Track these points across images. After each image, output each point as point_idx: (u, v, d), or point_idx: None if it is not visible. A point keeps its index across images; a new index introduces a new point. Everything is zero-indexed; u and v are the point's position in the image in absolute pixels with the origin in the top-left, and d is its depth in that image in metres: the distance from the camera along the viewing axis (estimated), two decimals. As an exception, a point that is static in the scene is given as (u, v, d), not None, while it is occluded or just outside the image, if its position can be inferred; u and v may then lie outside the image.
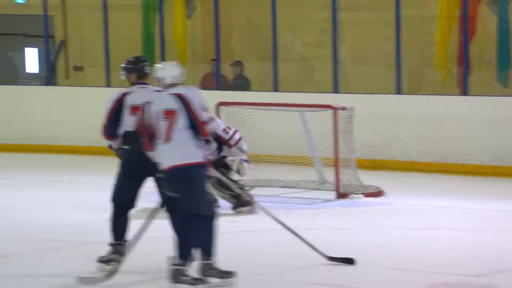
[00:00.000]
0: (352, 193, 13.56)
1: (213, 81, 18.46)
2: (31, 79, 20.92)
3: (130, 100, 9.67)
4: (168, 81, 9.00)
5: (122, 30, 18.96)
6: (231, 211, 12.79)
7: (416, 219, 12.47)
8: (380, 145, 16.23)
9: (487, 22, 17.28)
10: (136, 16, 19.17)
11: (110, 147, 9.95)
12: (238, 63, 18.72)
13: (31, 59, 21.46)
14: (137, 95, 9.65)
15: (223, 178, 12.02)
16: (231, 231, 11.09)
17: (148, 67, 9.88)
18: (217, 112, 14.10)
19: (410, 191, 14.20)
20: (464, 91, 16.84)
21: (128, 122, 9.66)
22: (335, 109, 13.73)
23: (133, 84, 9.86)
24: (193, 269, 8.95)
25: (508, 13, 16.91)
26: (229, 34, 19.35)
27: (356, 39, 18.56)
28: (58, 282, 9.56)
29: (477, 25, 17.21)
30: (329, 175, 13.81)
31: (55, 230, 11.90)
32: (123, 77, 9.93)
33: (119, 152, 9.96)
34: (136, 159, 9.64)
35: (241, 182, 12.79)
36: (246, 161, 12.99)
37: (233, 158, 13.05)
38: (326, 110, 13.86)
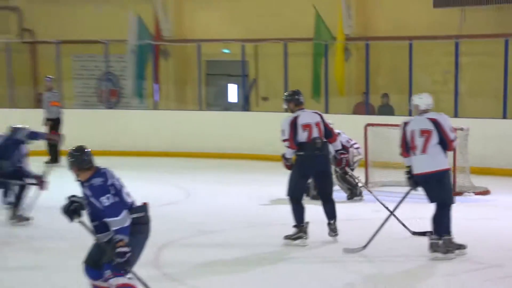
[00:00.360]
0: (465, 192, 13.50)
1: (363, 109, 18.52)
2: (232, 106, 21.35)
3: (300, 120, 10.02)
4: (422, 108, 9.43)
5: (297, 70, 19.03)
6: (346, 200, 13.04)
7: None
8: (488, 156, 15.99)
9: None
10: (308, 60, 19.20)
11: (284, 156, 10.16)
12: (385, 95, 18.79)
13: (232, 92, 21.83)
14: (303, 116, 10.03)
15: (349, 173, 12.42)
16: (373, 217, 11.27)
17: (302, 97, 10.33)
18: (365, 131, 14.34)
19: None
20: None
21: (301, 136, 9.99)
22: (454, 129, 13.69)
23: (292, 110, 10.18)
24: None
25: None
26: (376, 74, 19.12)
27: (472, 77, 18.29)
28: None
29: None
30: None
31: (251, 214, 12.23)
32: (284, 106, 10.28)
33: (289, 161, 10.15)
34: (307, 163, 9.99)
35: (357, 179, 12.75)
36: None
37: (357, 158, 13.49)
38: (448, 130, 13.82)
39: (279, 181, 11.62)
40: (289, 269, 9.01)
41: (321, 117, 10.25)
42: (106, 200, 6.52)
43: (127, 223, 6.55)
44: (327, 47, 18.97)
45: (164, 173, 16.42)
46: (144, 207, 6.81)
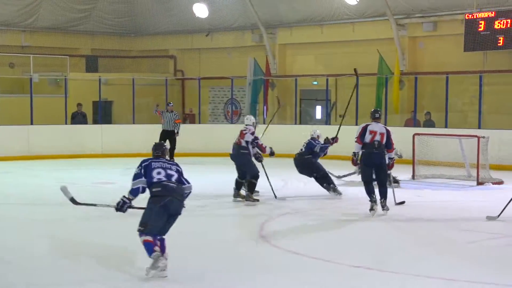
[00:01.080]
0: (486, 182, 13.25)
1: (412, 123, 18.22)
2: (318, 123, 21.27)
3: (369, 128, 10.17)
4: None
5: (365, 96, 18.78)
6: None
7: None
8: (503, 157, 15.68)
9: None
10: (373, 89, 18.95)
11: (354, 153, 10.29)
12: (428, 113, 18.39)
13: (318, 112, 21.68)
14: (373, 125, 10.20)
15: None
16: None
17: (378, 114, 10.46)
18: (413, 139, 14.15)
19: None
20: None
21: (366, 139, 10.08)
22: (478, 137, 13.45)
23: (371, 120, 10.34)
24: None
25: None
26: (422, 98, 18.79)
27: (492, 101, 17.65)
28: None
29: None
30: (473, 172, 13.45)
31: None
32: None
33: (356, 155, 10.23)
34: (368, 157, 10.08)
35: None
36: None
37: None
38: (474, 138, 13.58)
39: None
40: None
41: (387, 131, 10.25)
42: (135, 170, 6.72)
43: (135, 186, 6.61)
44: (387, 79, 18.83)
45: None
46: (162, 184, 6.51)
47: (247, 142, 11.26)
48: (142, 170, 6.66)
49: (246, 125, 11.55)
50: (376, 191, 10.07)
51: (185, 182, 6.75)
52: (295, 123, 20.13)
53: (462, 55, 17.98)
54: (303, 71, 21.30)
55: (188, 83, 23.62)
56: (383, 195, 10.09)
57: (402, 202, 10.80)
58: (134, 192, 6.64)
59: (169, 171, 6.69)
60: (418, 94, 18.38)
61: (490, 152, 13.91)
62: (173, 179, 6.66)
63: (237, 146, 11.38)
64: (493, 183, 13.24)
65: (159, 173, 6.65)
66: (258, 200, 11.11)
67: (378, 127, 10.26)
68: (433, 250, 7.79)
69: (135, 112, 19.81)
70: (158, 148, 6.93)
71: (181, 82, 23.95)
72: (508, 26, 16.92)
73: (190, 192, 6.79)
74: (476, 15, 17.45)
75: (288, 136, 18.76)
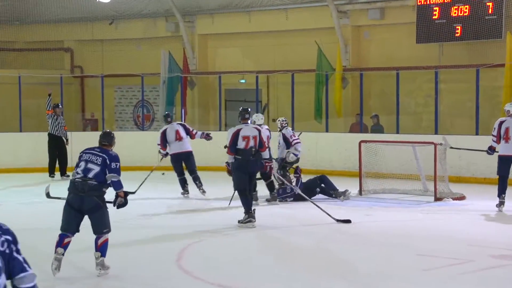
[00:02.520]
0: (445, 197, 13.31)
1: (358, 128, 18.44)
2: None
3: (241, 133, 10.88)
4: None
5: (302, 96, 19.02)
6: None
7: (485, 214, 12.06)
8: (464, 167, 15.92)
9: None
10: (311, 88, 18.98)
11: (227, 163, 11.33)
12: (376, 116, 18.67)
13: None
14: (244, 130, 10.93)
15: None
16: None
17: (248, 114, 11.20)
18: (359, 147, 14.23)
19: (482, 197, 13.60)
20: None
21: (240, 145, 10.81)
22: (435, 144, 13.56)
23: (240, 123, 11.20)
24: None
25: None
26: (368, 98, 19.11)
27: (450, 101, 18.19)
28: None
29: None
30: (430, 185, 13.50)
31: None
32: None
33: (230, 165, 11.21)
34: (245, 165, 10.82)
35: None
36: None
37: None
38: (429, 145, 13.65)
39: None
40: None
41: (259, 132, 11.04)
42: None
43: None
44: (328, 76, 18.94)
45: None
46: (71, 181, 7.87)
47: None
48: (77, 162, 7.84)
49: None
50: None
51: (107, 174, 7.69)
52: (219, 129, 19.98)
53: (414, 48, 18.31)
54: (228, 67, 21.32)
55: (89, 82, 23.30)
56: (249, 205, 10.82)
57: (347, 221, 10.85)
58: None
59: (90, 165, 7.69)
60: (364, 93, 18.58)
61: (449, 161, 14.07)
62: (91, 174, 7.64)
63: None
64: (454, 199, 13.37)
65: (79, 166, 7.73)
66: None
67: (250, 130, 10.96)
68: (388, 279, 7.81)
69: (22, 117, 19.34)
70: (103, 137, 8.07)
71: (80, 80, 23.60)
72: (467, 13, 17.28)
73: (116, 182, 7.70)
74: (429, 1, 17.76)
75: (211, 144, 18.65)
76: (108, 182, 7.67)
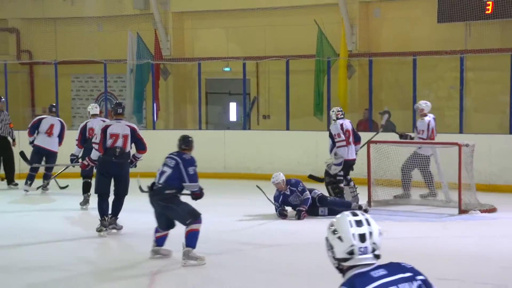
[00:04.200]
0: (471, 209, 13.31)
1: (366, 125, 18.56)
2: (232, 125, 21.33)
3: (109, 130, 11.46)
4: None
5: (299, 88, 19.08)
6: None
7: None
8: (495, 173, 15.97)
9: None
10: (310, 77, 19.14)
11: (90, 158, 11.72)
12: (387, 112, 18.59)
13: (233, 111, 21.86)
14: (114, 126, 11.55)
15: None
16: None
17: (121, 109, 11.85)
18: (368, 149, 14.24)
19: None
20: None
21: (108, 142, 11.45)
22: (460, 145, 13.51)
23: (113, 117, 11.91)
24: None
25: None
26: (379, 90, 19.23)
27: (478, 93, 18.35)
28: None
29: None
30: (454, 195, 13.54)
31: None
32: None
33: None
34: (105, 166, 11.53)
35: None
36: None
37: None
38: (453, 146, 13.62)
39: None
40: None
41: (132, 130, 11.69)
42: None
43: None
44: (330, 63, 18.95)
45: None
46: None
47: None
48: None
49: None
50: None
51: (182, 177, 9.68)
52: (199, 128, 19.97)
53: (435, 28, 18.42)
54: (210, 52, 21.36)
55: (40, 70, 23.33)
56: (116, 211, 11.60)
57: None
58: None
59: (164, 168, 9.77)
60: (374, 84, 18.61)
61: (477, 166, 14.11)
62: (163, 178, 9.74)
63: None
64: (482, 211, 13.37)
65: (159, 170, 9.96)
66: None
67: (121, 127, 11.51)
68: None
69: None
70: (182, 142, 9.97)
71: (29, 67, 23.61)
72: (500, -14, 17.37)
73: (196, 191, 9.77)
74: (454, -29, 17.84)
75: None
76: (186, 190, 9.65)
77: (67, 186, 16.10)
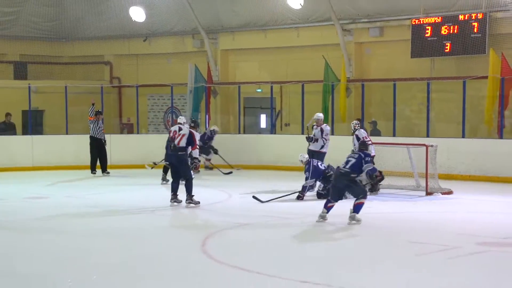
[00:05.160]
0: (435, 192, 13.39)
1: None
2: (263, 131, 21.30)
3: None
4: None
5: (311, 104, 18.81)
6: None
7: (471, 206, 12.25)
8: (452, 166, 15.93)
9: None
10: (319, 97, 18.92)
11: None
12: (374, 121, 18.60)
13: (263, 120, 21.72)
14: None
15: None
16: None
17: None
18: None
19: (467, 191, 13.79)
20: (501, 136, 16.51)
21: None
22: (427, 146, 13.58)
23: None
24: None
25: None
26: (369, 106, 19.08)
27: (440, 108, 18.15)
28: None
29: (509, 100, 16.52)
30: (422, 182, 13.55)
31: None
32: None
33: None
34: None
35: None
36: None
37: None
38: (422, 147, 13.72)
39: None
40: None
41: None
42: None
43: None
44: (333, 86, 18.89)
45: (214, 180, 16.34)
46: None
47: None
48: None
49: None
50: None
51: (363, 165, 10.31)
52: (239, 132, 20.12)
53: (409, 62, 18.31)
54: (247, 78, 21.33)
55: (126, 91, 23.40)
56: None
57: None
58: None
59: (349, 158, 10.40)
60: (366, 101, 18.61)
61: (439, 161, 14.13)
62: (348, 165, 10.26)
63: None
64: (443, 193, 13.40)
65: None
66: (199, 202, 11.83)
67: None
68: (383, 263, 7.88)
69: (68, 121, 19.46)
70: (361, 145, 10.78)
71: (118, 89, 23.72)
72: (455, 31, 17.32)
73: (371, 169, 10.38)
74: (422, 21, 17.80)
75: (232, 146, 18.79)
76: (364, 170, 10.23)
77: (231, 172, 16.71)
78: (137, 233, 9.64)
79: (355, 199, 10.21)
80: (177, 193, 11.86)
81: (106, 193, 13.86)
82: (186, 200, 11.68)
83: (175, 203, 11.80)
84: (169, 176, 13.61)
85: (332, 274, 7.37)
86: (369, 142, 13.03)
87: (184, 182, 11.77)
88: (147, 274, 7.26)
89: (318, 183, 12.97)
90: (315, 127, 14.13)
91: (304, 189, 12.74)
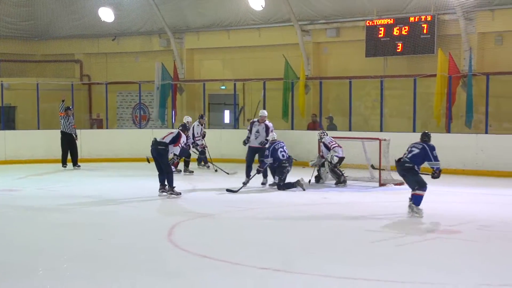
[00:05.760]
0: (388, 183, 13.52)
1: (313, 126, 18.51)
2: (226, 127, 21.26)
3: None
4: None
5: (272, 100, 18.90)
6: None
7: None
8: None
9: (461, 95, 17.11)
10: (279, 93, 18.99)
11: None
12: (330, 117, 18.77)
13: (227, 116, 21.61)
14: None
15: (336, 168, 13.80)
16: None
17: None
18: (319, 143, 14.13)
19: None
20: (448, 130, 16.76)
21: None
22: (380, 140, 13.71)
23: None
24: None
25: (472, 91, 16.67)
26: (326, 102, 19.15)
27: (393, 104, 18.31)
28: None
29: (456, 97, 16.91)
30: (376, 173, 13.69)
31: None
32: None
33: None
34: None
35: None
36: None
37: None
38: (376, 140, 13.85)
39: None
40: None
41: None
42: None
43: None
44: (293, 84, 19.00)
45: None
46: None
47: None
48: None
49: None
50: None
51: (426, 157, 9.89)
52: (205, 128, 19.99)
53: (364, 61, 18.45)
54: (211, 75, 21.30)
55: (95, 88, 23.15)
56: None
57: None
58: None
59: (412, 149, 10.12)
60: (323, 98, 18.67)
61: (392, 154, 14.17)
62: (410, 155, 10.06)
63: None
64: (395, 184, 13.49)
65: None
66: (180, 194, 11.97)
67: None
68: (339, 250, 7.91)
69: (39, 117, 19.21)
70: (423, 136, 10.17)
71: (88, 86, 23.44)
72: (406, 32, 17.50)
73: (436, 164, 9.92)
74: (376, 22, 17.95)
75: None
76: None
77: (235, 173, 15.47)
78: (107, 223, 9.58)
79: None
80: (165, 184, 11.88)
81: (77, 185, 13.69)
82: (168, 191, 11.82)
83: (164, 193, 11.87)
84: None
85: (291, 261, 7.34)
86: (335, 145, 13.29)
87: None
88: (114, 263, 7.20)
89: (276, 177, 12.99)
90: (257, 123, 14.03)
91: (263, 164, 12.96)
